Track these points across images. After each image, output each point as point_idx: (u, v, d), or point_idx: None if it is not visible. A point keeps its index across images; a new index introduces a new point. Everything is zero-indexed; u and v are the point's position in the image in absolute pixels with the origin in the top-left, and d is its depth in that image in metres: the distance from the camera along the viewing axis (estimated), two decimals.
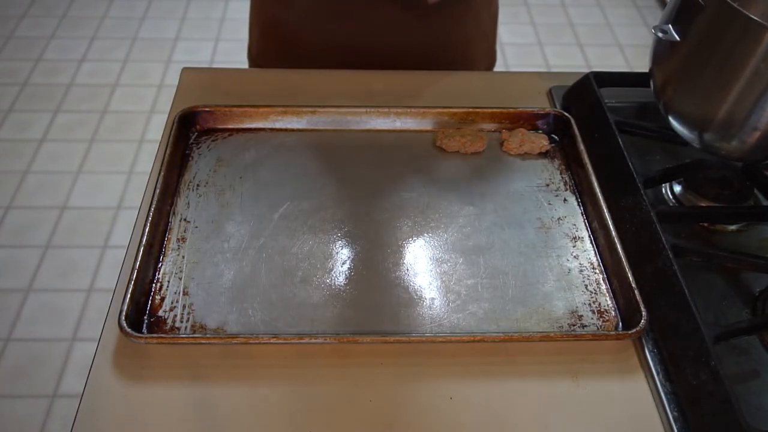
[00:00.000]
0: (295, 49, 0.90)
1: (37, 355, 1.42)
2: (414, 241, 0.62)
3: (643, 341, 0.55)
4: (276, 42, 0.91)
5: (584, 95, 0.75)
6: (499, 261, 0.60)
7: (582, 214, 0.65)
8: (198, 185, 0.66)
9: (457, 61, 0.90)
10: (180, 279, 0.57)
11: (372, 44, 0.86)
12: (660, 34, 0.60)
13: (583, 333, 0.55)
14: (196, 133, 0.71)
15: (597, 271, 0.60)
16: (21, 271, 1.58)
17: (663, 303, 0.55)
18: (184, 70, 0.80)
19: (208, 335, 0.54)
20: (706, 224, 0.65)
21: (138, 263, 0.55)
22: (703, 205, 0.65)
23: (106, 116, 2.02)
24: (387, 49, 0.86)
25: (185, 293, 0.56)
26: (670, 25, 0.60)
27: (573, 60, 2.27)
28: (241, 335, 0.53)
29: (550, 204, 0.66)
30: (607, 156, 0.67)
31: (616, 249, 0.58)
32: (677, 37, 0.59)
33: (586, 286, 0.59)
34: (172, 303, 0.56)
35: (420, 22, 0.85)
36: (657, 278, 0.56)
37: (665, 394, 0.51)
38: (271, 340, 0.52)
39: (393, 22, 0.84)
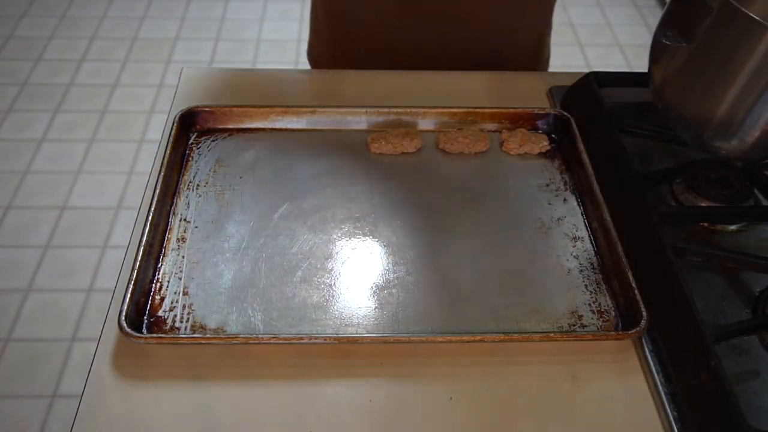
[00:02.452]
0: (355, 44, 0.90)
1: (37, 355, 1.42)
2: (414, 241, 0.62)
3: (643, 341, 0.55)
4: (339, 42, 0.92)
5: (584, 95, 0.74)
6: (499, 261, 0.60)
7: (582, 214, 0.65)
8: (198, 185, 0.66)
9: (522, 60, 0.93)
10: (180, 279, 0.57)
11: (438, 43, 0.87)
12: (664, 39, 0.60)
13: (583, 333, 0.55)
14: (196, 133, 0.71)
15: (597, 271, 0.60)
16: (21, 271, 1.58)
17: (663, 303, 0.55)
18: (184, 70, 0.80)
19: (208, 335, 0.54)
20: (706, 224, 0.65)
21: (138, 263, 0.55)
22: (703, 205, 0.65)
23: (106, 116, 2.02)
24: (451, 48, 0.88)
25: (185, 293, 0.56)
26: (674, 29, 0.60)
27: (573, 60, 2.27)
28: (241, 335, 0.53)
29: (550, 204, 0.66)
30: (607, 156, 0.67)
31: (616, 249, 0.58)
32: (683, 42, 0.59)
33: (586, 286, 0.59)
34: (172, 303, 0.56)
35: (487, 18, 0.86)
36: (657, 278, 0.56)
37: (665, 394, 0.51)
38: (271, 340, 0.52)
39: (460, 16, 0.85)
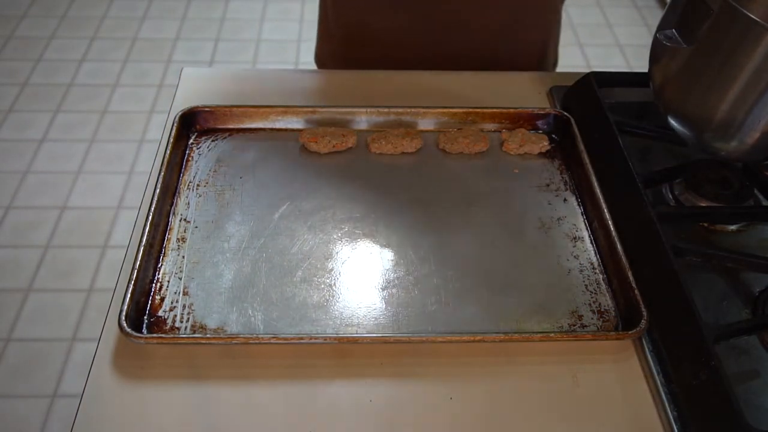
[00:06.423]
0: (366, 48, 0.91)
1: (37, 355, 1.42)
2: (413, 241, 0.62)
3: (643, 341, 0.55)
4: (347, 46, 0.93)
5: (584, 95, 0.74)
6: (499, 261, 0.60)
7: (582, 214, 0.65)
8: (198, 185, 0.66)
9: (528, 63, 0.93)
10: (180, 279, 0.57)
11: (442, 43, 0.88)
12: (665, 40, 0.60)
13: (583, 333, 0.55)
14: (196, 133, 0.71)
15: (597, 271, 0.60)
16: (21, 271, 1.57)
17: (663, 303, 0.55)
18: (184, 70, 0.80)
19: (208, 335, 0.54)
20: (706, 224, 0.65)
21: (138, 263, 0.55)
22: (703, 205, 0.65)
23: (106, 116, 2.02)
24: (457, 48, 0.89)
25: (185, 293, 0.56)
26: (674, 30, 0.60)
27: (573, 60, 2.27)
28: (241, 335, 0.53)
29: (550, 204, 0.66)
30: (607, 156, 0.67)
31: (616, 249, 0.58)
32: (683, 43, 0.59)
33: (586, 286, 0.59)
34: (172, 303, 0.56)
35: (488, 23, 0.87)
36: (657, 278, 0.56)
37: (665, 394, 0.51)
38: (271, 340, 0.52)
39: (467, 22, 0.87)
